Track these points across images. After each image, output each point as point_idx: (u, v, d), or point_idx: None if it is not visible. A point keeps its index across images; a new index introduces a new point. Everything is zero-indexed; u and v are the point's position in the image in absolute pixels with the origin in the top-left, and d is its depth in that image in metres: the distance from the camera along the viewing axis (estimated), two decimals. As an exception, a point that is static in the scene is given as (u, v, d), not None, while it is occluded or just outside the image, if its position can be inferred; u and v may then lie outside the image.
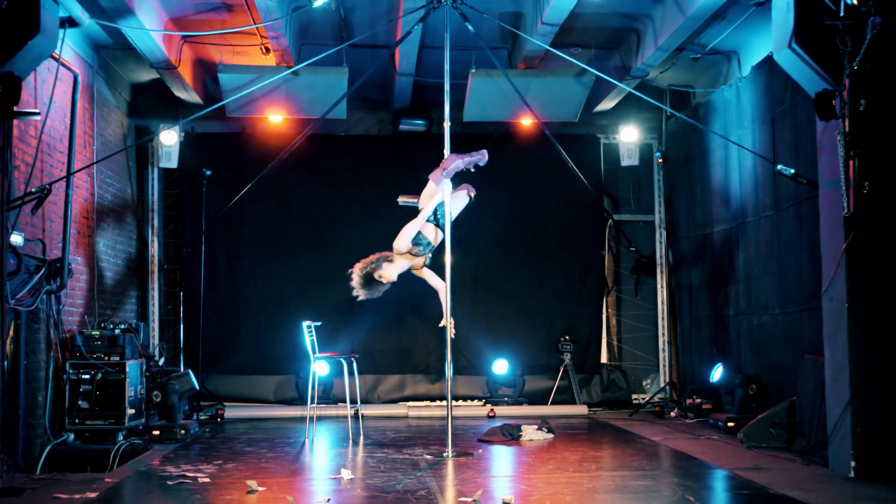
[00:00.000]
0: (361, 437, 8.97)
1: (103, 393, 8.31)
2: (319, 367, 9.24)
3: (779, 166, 7.66)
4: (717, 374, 9.93)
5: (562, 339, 11.54)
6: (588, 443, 8.64)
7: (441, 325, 7.77)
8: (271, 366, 11.52)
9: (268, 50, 9.69)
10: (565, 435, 9.12)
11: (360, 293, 7.88)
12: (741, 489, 6.29)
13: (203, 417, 10.35)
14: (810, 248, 7.98)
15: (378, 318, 11.78)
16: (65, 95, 8.83)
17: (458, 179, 7.99)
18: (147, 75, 10.80)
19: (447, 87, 7.99)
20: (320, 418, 10.15)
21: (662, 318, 12.31)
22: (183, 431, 8.71)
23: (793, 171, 7.55)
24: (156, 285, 11.71)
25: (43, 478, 6.93)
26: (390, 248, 11.93)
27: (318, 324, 9.03)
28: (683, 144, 11.70)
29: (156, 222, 11.74)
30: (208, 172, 10.98)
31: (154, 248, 11.73)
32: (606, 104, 11.54)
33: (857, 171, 6.14)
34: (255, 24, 8.93)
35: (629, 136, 11.94)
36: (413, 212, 7.90)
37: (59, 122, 8.72)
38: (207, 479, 6.63)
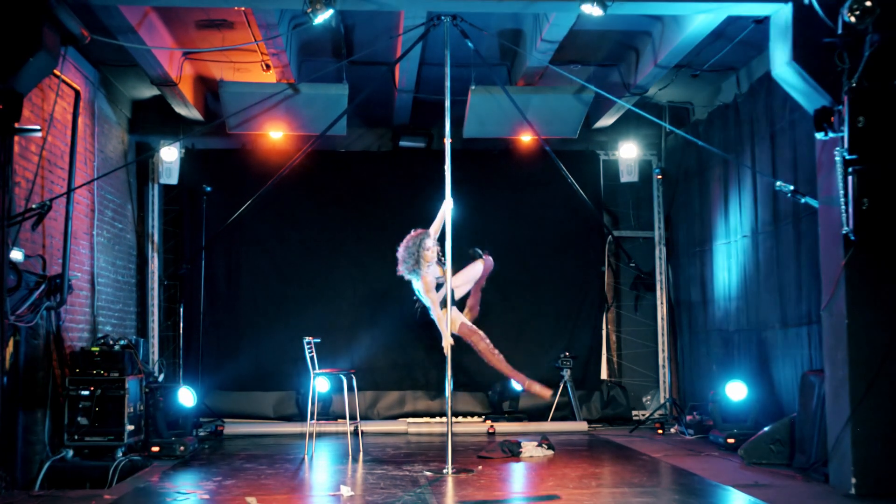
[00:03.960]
0: (361, 453, 8.95)
1: (103, 409, 8.27)
2: (319, 384, 9.22)
3: (778, 182, 7.68)
4: (736, 391, 9.28)
5: (561, 356, 11.52)
6: (588, 459, 8.62)
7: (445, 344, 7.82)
8: (271, 382, 11.50)
9: (268, 66, 9.72)
10: (565, 451, 9.09)
11: (401, 267, 7.97)
12: (742, 506, 6.29)
13: (203, 433, 10.32)
14: (810, 264, 7.99)
15: (378, 334, 11.79)
16: (66, 112, 8.87)
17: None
18: (148, 92, 10.83)
19: (447, 103, 8.01)
20: (320, 434, 10.12)
21: (662, 335, 12.30)
22: (182, 448, 8.68)
23: (792, 187, 7.57)
24: (156, 301, 11.71)
25: (41, 494, 6.92)
26: (389, 265, 11.97)
27: (318, 340, 9.02)
28: (683, 161, 11.73)
29: (156, 238, 11.75)
30: (209, 189, 10.99)
31: (154, 263, 11.74)
32: (606, 121, 11.58)
33: (855, 188, 6.15)
34: (255, 40, 8.97)
35: (628, 153, 11.97)
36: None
37: (60, 138, 8.75)
38: (207, 496, 6.61)
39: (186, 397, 9.35)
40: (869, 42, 6.21)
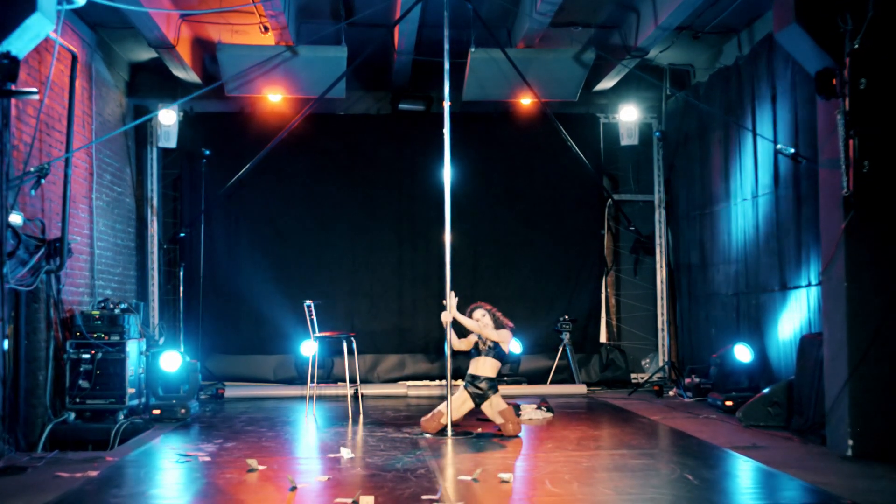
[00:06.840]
0: (361, 416, 9.00)
1: (104, 372, 8.32)
2: (315, 347, 9.23)
3: (779, 145, 7.65)
4: (744, 353, 9.33)
5: (561, 319, 11.55)
6: (587, 422, 8.67)
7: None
8: (271, 345, 11.54)
9: (267, 29, 9.64)
10: (564, 414, 9.15)
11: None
12: (739, 467, 6.32)
13: (203, 396, 10.38)
14: (810, 227, 7.99)
15: (378, 297, 11.82)
16: (63, 75, 8.81)
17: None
18: (145, 54, 10.76)
19: (447, 65, 7.96)
20: (320, 397, 10.18)
21: (661, 298, 12.33)
22: (183, 410, 8.72)
23: (793, 150, 7.55)
24: (155, 265, 11.72)
25: (44, 456, 6.95)
26: (388, 228, 11.96)
27: (318, 303, 9.04)
28: (683, 124, 11.67)
29: (155, 202, 11.73)
30: (207, 152, 10.95)
31: (153, 227, 11.72)
32: (606, 83, 11.51)
33: (856, 151, 6.13)
34: (253, 2, 8.88)
35: (629, 116, 11.91)
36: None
37: (58, 101, 8.69)
38: (208, 458, 6.66)
39: (176, 360, 9.32)
40: (872, 3, 6.15)
